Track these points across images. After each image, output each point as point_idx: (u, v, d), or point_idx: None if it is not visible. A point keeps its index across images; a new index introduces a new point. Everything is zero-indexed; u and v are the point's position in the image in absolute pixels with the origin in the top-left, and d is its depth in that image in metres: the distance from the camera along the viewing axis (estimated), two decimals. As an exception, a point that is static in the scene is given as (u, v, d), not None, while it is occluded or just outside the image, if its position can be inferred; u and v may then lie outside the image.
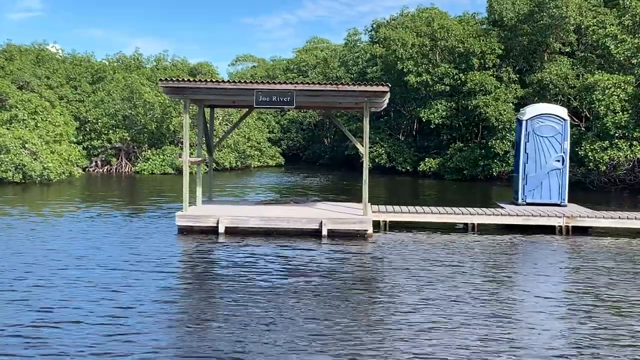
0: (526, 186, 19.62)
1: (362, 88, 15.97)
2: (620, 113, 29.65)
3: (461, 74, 40.14)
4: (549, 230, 17.50)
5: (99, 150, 43.58)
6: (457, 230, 17.78)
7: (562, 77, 36.32)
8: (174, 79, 16.11)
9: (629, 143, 29.82)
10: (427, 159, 42.10)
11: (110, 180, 37.05)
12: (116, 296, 10.42)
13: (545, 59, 39.33)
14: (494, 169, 37.75)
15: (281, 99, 16.25)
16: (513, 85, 39.06)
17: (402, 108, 45.42)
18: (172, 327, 8.94)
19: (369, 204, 17.44)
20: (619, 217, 17.40)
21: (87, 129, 43.41)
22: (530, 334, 8.68)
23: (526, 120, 19.53)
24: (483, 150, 39.09)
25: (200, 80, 15.99)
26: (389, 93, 16.36)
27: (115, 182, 35.84)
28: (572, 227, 17.46)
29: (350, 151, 47.29)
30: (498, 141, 37.09)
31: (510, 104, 37.84)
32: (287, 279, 11.77)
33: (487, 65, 39.87)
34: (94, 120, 43.09)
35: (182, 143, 43.65)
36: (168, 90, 16.34)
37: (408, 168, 43.42)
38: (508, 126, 36.94)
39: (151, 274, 11.91)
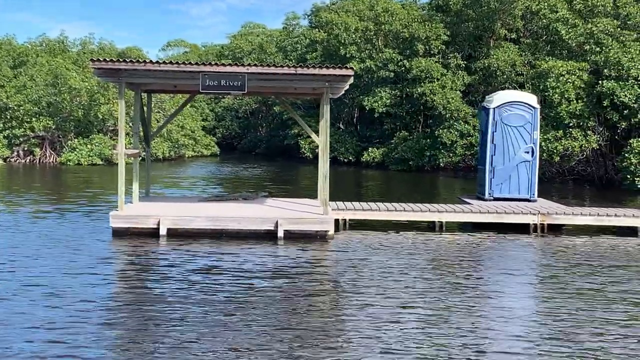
0: (493, 180, 18.15)
1: (324, 71, 14.14)
2: (575, 101, 28.63)
3: (406, 61, 38.74)
4: (523, 228, 16.08)
5: (21, 140, 40.65)
6: (424, 229, 16.20)
7: (510, 64, 35.28)
8: (107, 59, 13.99)
9: (583, 132, 28.86)
10: (370, 149, 40.68)
11: (34, 171, 34.35)
12: (40, 311, 8.58)
13: (491, 45, 38.25)
14: (440, 160, 36.49)
15: (231, 84, 14.32)
16: (460, 72, 37.85)
17: (344, 95, 43.72)
18: (107, 348, 7.36)
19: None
20: (598, 215, 16.07)
21: (8, 117, 40.39)
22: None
23: (493, 109, 18.05)
24: (429, 140, 37.84)
25: (138, 61, 13.93)
26: (352, 77, 14.62)
27: (39, 173, 33.18)
28: (547, 224, 16.09)
29: (289, 140, 45.59)
30: (445, 130, 35.84)
31: (458, 92, 36.63)
32: (238, 289, 9.98)
33: (432, 52, 38.57)
34: (16, 107, 40.09)
35: (111, 132, 41.22)
36: (101, 72, 14.19)
37: (350, 158, 41.92)
38: (455, 115, 35.69)
39: (81, 286, 9.85)
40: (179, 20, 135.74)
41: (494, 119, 18.03)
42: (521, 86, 35.51)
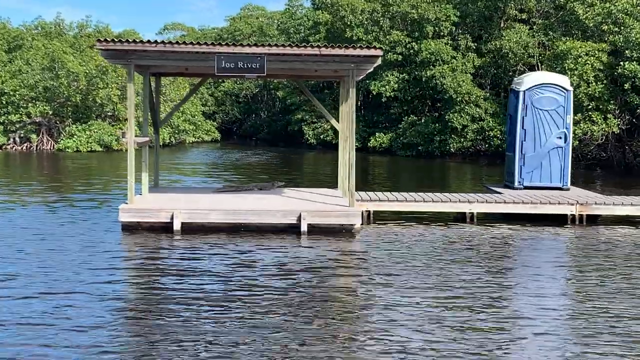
0: (523, 167, 17.08)
1: (351, 52, 13.04)
2: (594, 83, 27.54)
3: (414, 43, 37.53)
4: (558, 219, 15.03)
5: (17, 126, 39.41)
6: (453, 220, 15.15)
7: (522, 45, 34.12)
8: (115, 39, 12.85)
9: (603, 116, 27.80)
10: (377, 134, 39.53)
11: (31, 159, 33.21)
12: (43, 318, 7.70)
13: (502, 26, 37.10)
14: (451, 145, 35.37)
15: (249, 65, 13.18)
16: (470, 54, 36.67)
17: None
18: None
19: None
20: (641, 204, 15.07)
21: (4, 102, 39.14)
22: None
23: (524, 91, 16.94)
24: (438, 125, 36.71)
25: (149, 42, 12.79)
26: (379, 59, 13.52)
27: (36, 161, 32.04)
28: (586, 215, 15.05)
29: (293, 126, 44.47)
30: (456, 115, 34.69)
31: (468, 75, 35.48)
32: (270, 289, 9.12)
33: (441, 33, 37.36)
34: (11, 92, 38.81)
35: (110, 117, 40.06)
36: (108, 53, 13.06)
37: (357, 144, 40.67)
38: (467, 98, 34.53)
39: (97, 289, 8.77)
40: (171, 4, 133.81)
41: (524, 103, 16.94)
42: (532, 68, 34.48)
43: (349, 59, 13.31)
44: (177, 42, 12.97)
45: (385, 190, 17.07)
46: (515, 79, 18.49)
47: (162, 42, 12.92)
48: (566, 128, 16.94)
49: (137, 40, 12.82)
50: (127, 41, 12.79)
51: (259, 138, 54.61)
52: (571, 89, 17.17)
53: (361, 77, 15.51)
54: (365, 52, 13.07)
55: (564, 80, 17.20)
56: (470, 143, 35.04)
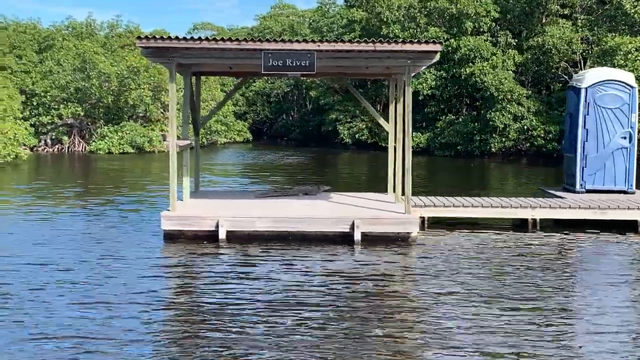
0: (585, 169, 16.02)
1: (408, 47, 12.10)
2: (646, 80, 26.31)
3: (452, 39, 36.46)
4: (627, 225, 13.96)
5: (49, 128, 38.93)
6: (513, 227, 14.17)
7: (566, 41, 32.91)
8: (157, 37, 12.03)
9: (655, 114, 26.57)
10: (414, 134, 38.48)
11: (63, 161, 32.64)
12: (95, 328, 7.29)
13: (543, 21, 35.91)
14: (492, 145, 34.24)
15: (298, 63, 12.31)
16: (510, 51, 35.52)
17: (384, 78, 41.61)
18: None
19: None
20: None
21: (35, 103, 38.64)
22: None
23: (585, 88, 15.88)
24: (477, 124, 35.60)
25: (193, 39, 11.96)
26: (438, 54, 12.58)
27: (69, 164, 31.48)
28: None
29: (327, 126, 43.58)
30: (497, 113, 33.56)
31: (510, 72, 34.33)
32: (321, 305, 8.35)
33: (481, 30, 36.25)
34: (42, 94, 38.33)
35: (142, 119, 39.46)
36: (149, 52, 12.24)
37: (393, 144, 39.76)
38: (509, 97, 33.39)
39: (129, 305, 7.96)
40: (194, 3, 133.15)
41: (585, 101, 15.89)
42: (575, 65, 33.36)
43: (405, 55, 12.39)
44: (221, 39, 12.12)
45: (427, 192, 16.17)
46: (575, 75, 17.46)
47: (207, 39, 12.09)
48: (631, 127, 15.87)
49: (180, 37, 11.99)
50: (170, 38, 11.97)
51: (290, 138, 53.83)
52: (636, 85, 16.08)
53: (414, 74, 14.57)
54: (423, 47, 12.13)
55: (628, 77, 16.12)
56: (512, 143, 33.91)
